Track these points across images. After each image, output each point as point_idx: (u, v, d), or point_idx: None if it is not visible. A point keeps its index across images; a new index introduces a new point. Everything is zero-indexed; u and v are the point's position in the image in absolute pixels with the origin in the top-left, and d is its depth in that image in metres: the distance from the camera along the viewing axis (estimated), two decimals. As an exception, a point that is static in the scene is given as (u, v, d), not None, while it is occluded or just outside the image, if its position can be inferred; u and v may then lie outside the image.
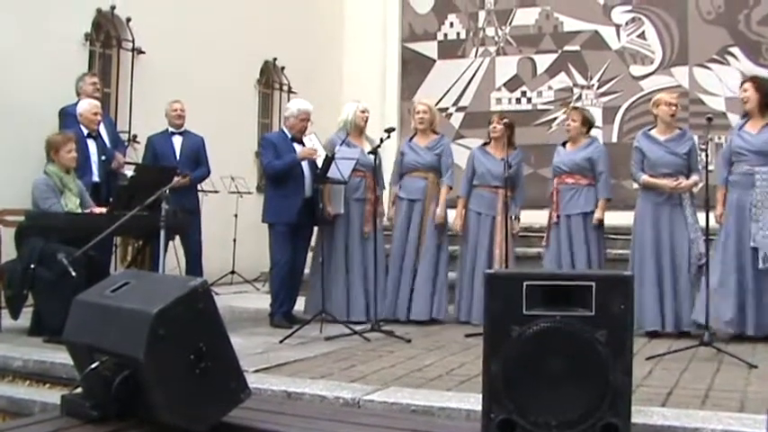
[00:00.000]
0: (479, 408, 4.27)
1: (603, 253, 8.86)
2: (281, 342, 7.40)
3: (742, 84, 8.17)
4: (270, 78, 13.65)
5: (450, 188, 9.19)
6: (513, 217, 9.01)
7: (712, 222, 7.38)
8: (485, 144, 9.24)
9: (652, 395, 5.41)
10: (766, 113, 7.95)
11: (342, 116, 9.06)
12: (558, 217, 8.71)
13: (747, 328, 7.75)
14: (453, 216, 9.21)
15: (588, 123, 8.96)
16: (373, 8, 14.76)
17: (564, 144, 8.96)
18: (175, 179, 7.84)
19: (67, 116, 8.95)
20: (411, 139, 9.34)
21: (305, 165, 8.48)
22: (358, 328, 7.78)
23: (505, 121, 8.83)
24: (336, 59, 14.74)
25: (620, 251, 9.31)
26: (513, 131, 9.05)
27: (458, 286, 9.10)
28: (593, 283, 4.18)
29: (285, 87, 13.68)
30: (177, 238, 9.14)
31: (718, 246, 7.98)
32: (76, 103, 8.98)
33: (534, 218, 9.62)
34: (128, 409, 4.44)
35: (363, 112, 9.07)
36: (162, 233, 7.17)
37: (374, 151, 8.13)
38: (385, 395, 5.35)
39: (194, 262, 9.78)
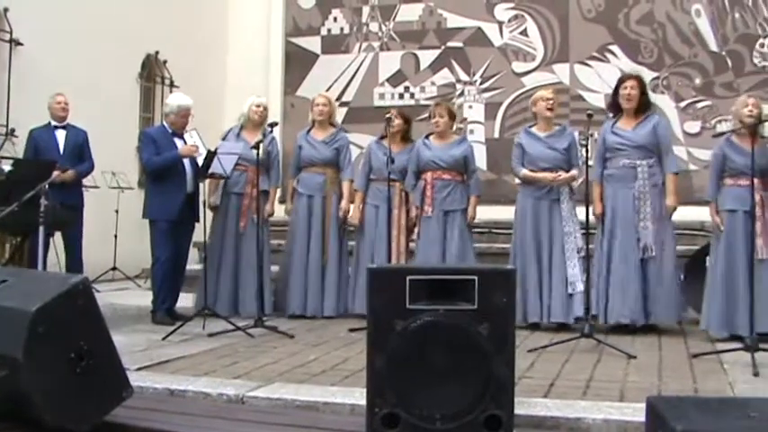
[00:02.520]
0: (364, 402, 4.29)
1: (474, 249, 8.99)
2: (163, 339, 7.32)
3: (624, 80, 8.28)
4: (152, 72, 13.47)
5: (352, 181, 9.25)
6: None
7: (591, 216, 7.52)
8: (381, 138, 9.26)
9: (534, 386, 5.49)
10: (640, 112, 8.14)
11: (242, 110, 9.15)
12: (432, 211, 8.76)
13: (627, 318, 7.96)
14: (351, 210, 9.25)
15: (454, 117, 9.09)
16: (257, 2, 14.68)
17: (427, 137, 9.01)
18: (55, 173, 7.69)
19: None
20: (308, 132, 9.37)
21: (186, 160, 8.40)
22: (241, 324, 7.74)
23: (388, 116, 8.87)
24: (220, 53, 14.63)
25: (503, 245, 9.44)
26: (411, 126, 9.14)
27: (353, 280, 9.12)
28: (476, 277, 4.23)
29: (167, 81, 13.52)
30: (57, 234, 8.98)
31: (601, 239, 8.14)
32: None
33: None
34: (5, 410, 4.35)
35: (258, 106, 9.14)
36: (41, 229, 7.03)
37: (257, 146, 8.09)
38: (269, 391, 5.32)
39: (75, 258, 9.60)
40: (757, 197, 7.19)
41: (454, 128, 9.14)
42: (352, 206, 9.24)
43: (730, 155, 7.65)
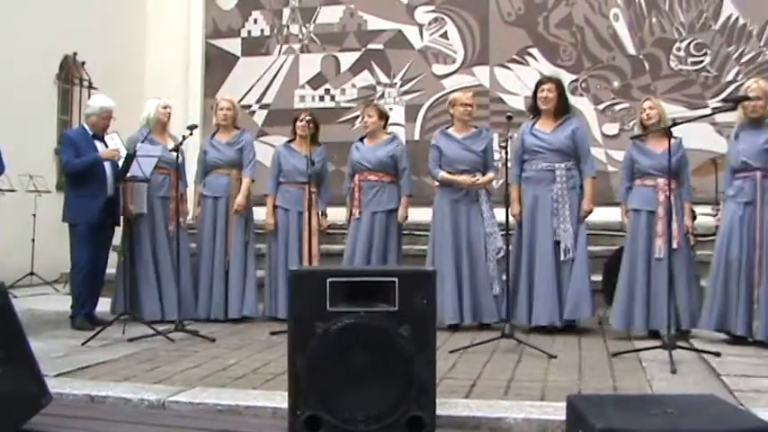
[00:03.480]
0: (286, 405, 4.29)
1: (401, 249, 9.01)
2: (83, 345, 7.23)
3: (542, 83, 8.39)
4: (70, 73, 13.27)
5: (253, 180, 9.20)
6: (321, 213, 9.08)
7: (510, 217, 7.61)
8: (289, 141, 9.26)
9: (456, 387, 5.52)
10: (559, 114, 8.25)
11: (144, 113, 8.97)
12: (360, 213, 8.78)
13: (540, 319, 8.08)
14: (263, 214, 9.19)
15: (385, 117, 9.10)
16: (177, 3, 14.54)
17: (362, 140, 9.05)
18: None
19: None
20: (213, 135, 9.34)
21: (106, 163, 8.30)
22: (161, 328, 7.68)
23: (308, 118, 8.86)
24: (139, 55, 14.48)
25: (423, 247, 9.48)
26: (318, 128, 9.11)
27: (267, 283, 9.09)
28: (396, 279, 4.25)
29: (86, 83, 13.34)
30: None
31: (519, 241, 8.24)
32: None
33: (339, 215, 9.66)
34: None
35: (165, 107, 9.01)
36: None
37: (177, 149, 8.04)
38: (190, 395, 5.29)
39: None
40: (662, 197, 7.33)
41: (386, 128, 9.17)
42: (258, 209, 9.22)
43: (636, 157, 7.88)
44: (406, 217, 8.85)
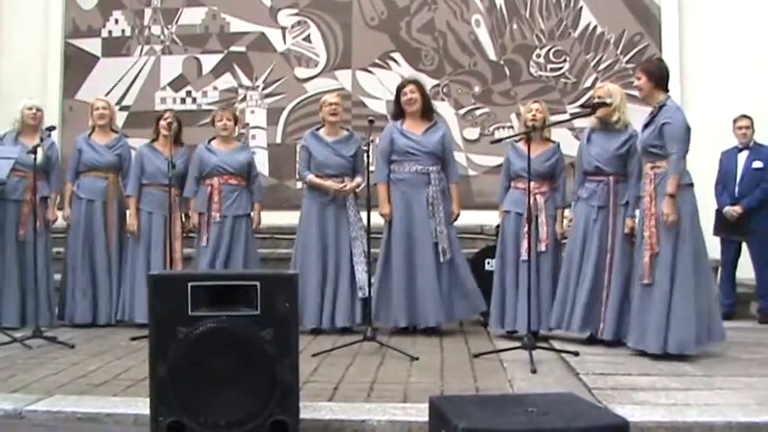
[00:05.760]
0: (148, 411, 4.24)
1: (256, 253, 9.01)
2: (-66, 353, 7.03)
3: (404, 86, 8.47)
4: None
5: None
6: (184, 215, 8.98)
7: (375, 220, 7.64)
8: (152, 141, 9.14)
9: (319, 390, 5.53)
10: (425, 117, 8.35)
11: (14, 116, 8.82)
12: (220, 217, 8.69)
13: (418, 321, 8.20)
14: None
15: (237, 122, 9.21)
16: (35, 1, 14.21)
17: (210, 141, 8.98)
18: None
19: None
20: (89, 136, 9.17)
21: (-41, 166, 8.09)
22: (18, 334, 7.50)
23: (169, 120, 8.76)
24: (-7, 54, 14.12)
25: (285, 251, 9.46)
26: (181, 129, 9.03)
27: (126, 287, 8.91)
28: (258, 283, 4.24)
29: (-62, 83, 12.99)
30: None
31: (388, 242, 8.29)
32: None
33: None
34: None
35: (30, 108, 8.86)
36: None
37: (34, 150, 7.86)
38: (49, 404, 5.18)
39: None
40: (532, 200, 7.46)
41: (236, 133, 9.18)
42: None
43: (512, 159, 8.07)
44: (260, 223, 8.91)
